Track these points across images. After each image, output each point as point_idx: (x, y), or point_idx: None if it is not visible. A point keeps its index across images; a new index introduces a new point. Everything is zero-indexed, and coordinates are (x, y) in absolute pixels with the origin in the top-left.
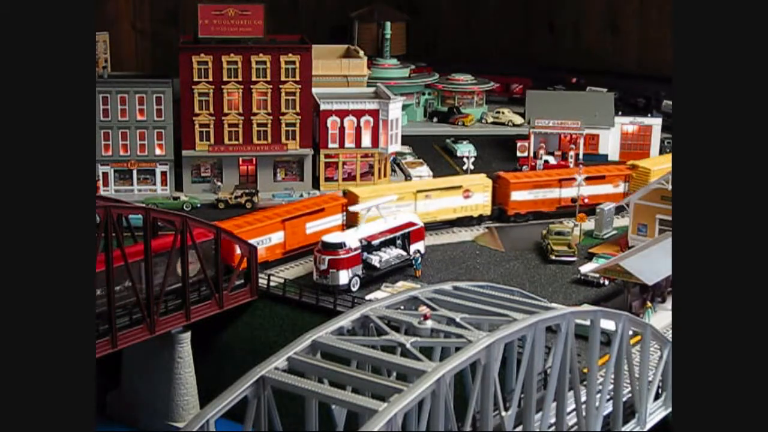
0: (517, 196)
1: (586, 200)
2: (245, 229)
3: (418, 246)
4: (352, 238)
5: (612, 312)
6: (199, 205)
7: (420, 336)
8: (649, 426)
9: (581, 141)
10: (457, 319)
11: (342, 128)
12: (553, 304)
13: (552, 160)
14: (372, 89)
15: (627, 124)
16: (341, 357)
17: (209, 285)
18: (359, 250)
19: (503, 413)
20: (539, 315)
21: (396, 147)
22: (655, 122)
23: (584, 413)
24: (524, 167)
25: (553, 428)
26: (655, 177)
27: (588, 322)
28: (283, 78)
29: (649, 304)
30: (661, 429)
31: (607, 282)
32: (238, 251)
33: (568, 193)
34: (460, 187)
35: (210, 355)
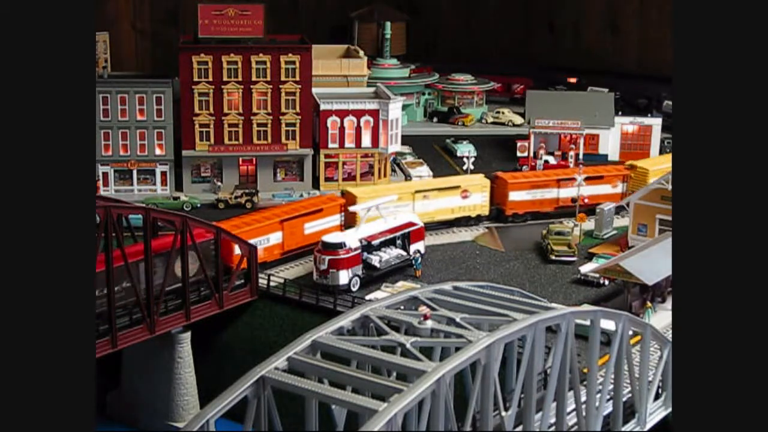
0: (515, 196)
1: (586, 200)
2: (243, 229)
3: (418, 246)
4: (352, 238)
5: (612, 312)
6: (199, 205)
7: (420, 336)
8: (649, 426)
9: (581, 141)
10: (457, 319)
11: (342, 128)
12: (553, 304)
13: (552, 160)
14: (372, 89)
15: (627, 124)
16: (341, 357)
17: (209, 285)
18: (359, 250)
19: (503, 413)
20: (539, 315)
21: (396, 147)
22: (655, 122)
23: (584, 413)
24: (524, 167)
25: (553, 428)
26: (653, 177)
27: (588, 322)
28: (283, 78)
29: (649, 304)
30: (661, 429)
31: (607, 282)
32: (236, 252)
33: (566, 193)
34: (458, 187)
35: (210, 355)
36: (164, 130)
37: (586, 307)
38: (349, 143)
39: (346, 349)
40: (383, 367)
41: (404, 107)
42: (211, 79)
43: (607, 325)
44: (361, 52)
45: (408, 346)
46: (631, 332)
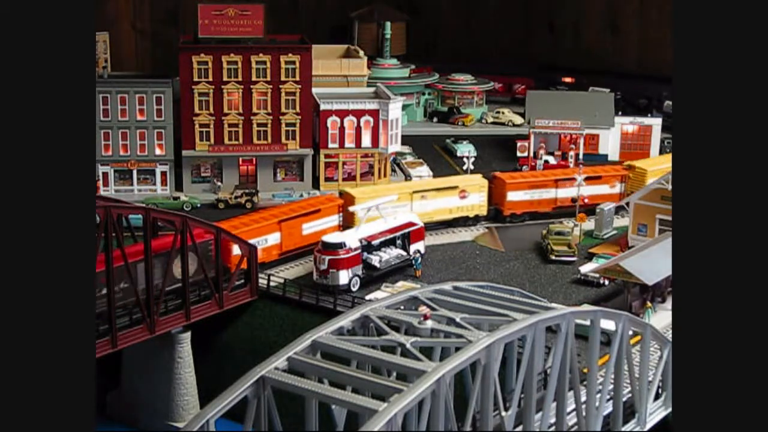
0: (513, 196)
1: (586, 200)
2: (241, 230)
3: (418, 246)
4: (352, 238)
5: (612, 312)
6: (199, 205)
7: (420, 336)
8: (649, 426)
9: (581, 141)
10: (457, 319)
11: (342, 128)
12: (553, 304)
13: (552, 160)
14: (372, 89)
15: (627, 124)
16: (341, 357)
17: (208, 285)
18: (359, 250)
19: (503, 413)
20: (539, 315)
21: (396, 147)
22: (655, 122)
23: (584, 413)
24: (524, 167)
25: (553, 428)
26: (651, 177)
27: (588, 322)
28: (283, 78)
29: (649, 304)
30: (661, 429)
31: (607, 282)
32: (234, 252)
33: (564, 193)
34: (456, 187)
35: (210, 355)
36: (164, 130)
37: (586, 307)
38: (349, 143)
39: (346, 349)
40: (383, 367)
41: (404, 107)
42: (211, 79)
43: (607, 325)
44: (361, 52)
45: (408, 346)
46: (631, 332)
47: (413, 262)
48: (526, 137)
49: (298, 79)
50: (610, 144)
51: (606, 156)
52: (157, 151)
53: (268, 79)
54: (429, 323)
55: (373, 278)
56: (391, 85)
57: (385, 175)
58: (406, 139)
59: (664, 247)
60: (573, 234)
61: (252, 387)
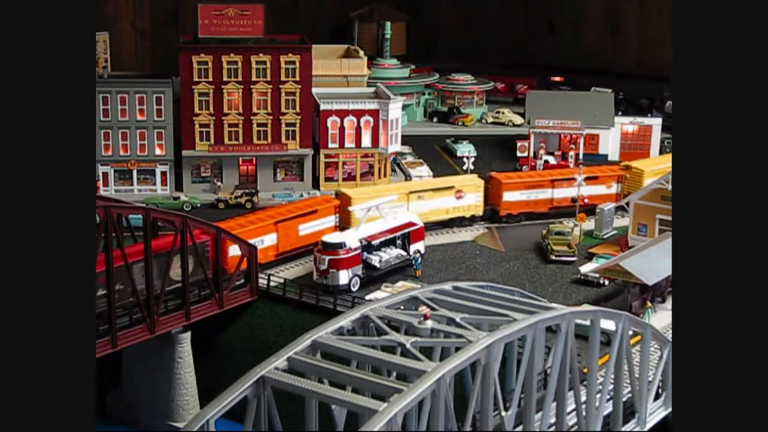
0: (509, 196)
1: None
2: (238, 231)
3: (418, 246)
4: (352, 238)
5: (612, 312)
6: (199, 205)
7: (420, 336)
8: (649, 426)
9: (581, 141)
10: (457, 319)
11: (342, 128)
12: (553, 304)
13: (552, 160)
14: (372, 89)
15: (627, 124)
16: (341, 357)
17: (208, 285)
18: (359, 250)
19: (503, 413)
20: (539, 315)
21: (396, 147)
22: (655, 122)
23: (584, 413)
24: (524, 167)
25: (553, 428)
26: (648, 178)
27: (588, 322)
28: (283, 78)
29: (649, 304)
30: (661, 429)
31: (607, 282)
32: (231, 254)
33: (560, 193)
34: (452, 187)
35: (210, 355)
36: (164, 130)
37: (586, 307)
38: (349, 143)
39: (346, 349)
40: (383, 367)
41: (404, 107)
42: (211, 79)
43: (607, 325)
44: (361, 52)
45: (408, 346)
46: (631, 332)
47: (413, 262)
48: (526, 137)
49: (298, 79)
50: (610, 144)
51: (606, 156)
52: (157, 151)
53: (268, 79)
54: (429, 323)
55: (373, 278)
56: (391, 85)
57: (385, 175)
58: (406, 139)
59: (664, 247)
60: (573, 234)
61: (252, 387)
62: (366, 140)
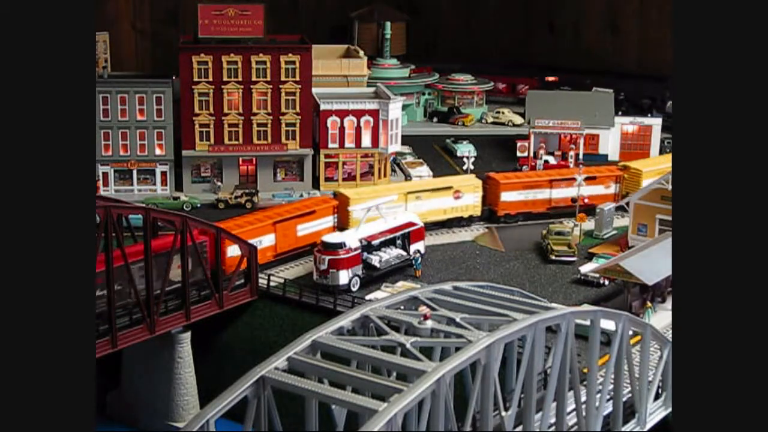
0: (507, 197)
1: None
2: (236, 231)
3: (418, 246)
4: (352, 238)
5: (612, 312)
6: (199, 205)
7: (420, 336)
8: (649, 426)
9: (581, 141)
10: (457, 319)
11: (342, 128)
12: (553, 304)
13: (552, 160)
14: (372, 89)
15: (627, 124)
16: (341, 357)
17: (208, 285)
18: (359, 250)
19: (503, 413)
20: (539, 315)
21: (396, 147)
22: (655, 122)
23: (584, 413)
24: (524, 167)
25: (553, 428)
26: (646, 178)
27: (588, 322)
28: (283, 78)
29: (649, 304)
30: (661, 429)
31: (607, 282)
32: (229, 254)
33: (558, 194)
34: (450, 188)
35: (210, 355)
36: (164, 130)
37: (586, 307)
38: (349, 143)
39: (346, 349)
40: (383, 367)
41: (404, 107)
42: (211, 79)
43: (607, 325)
44: (361, 52)
45: (408, 346)
46: (631, 332)
47: (413, 262)
48: (526, 137)
49: (298, 79)
50: (610, 144)
51: (606, 156)
52: (157, 151)
53: (268, 79)
54: (429, 323)
55: (373, 278)
56: (391, 85)
57: (385, 175)
58: (406, 139)
59: (664, 247)
60: (573, 234)
61: (252, 387)
62: (366, 140)
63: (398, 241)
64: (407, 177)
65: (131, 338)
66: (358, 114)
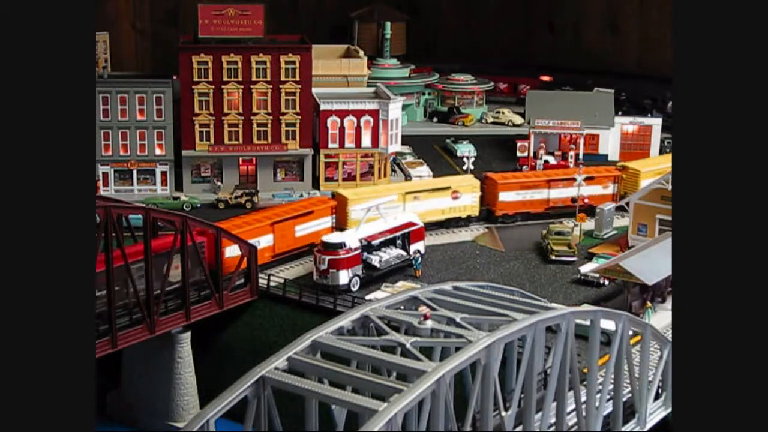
0: (504, 197)
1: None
2: (234, 232)
3: (418, 246)
4: (352, 238)
5: (612, 312)
6: (199, 205)
7: (420, 336)
8: (649, 426)
9: (581, 141)
10: (457, 319)
11: (342, 128)
12: (553, 304)
13: (552, 160)
14: (372, 89)
15: (627, 124)
16: (341, 357)
17: (208, 286)
18: (359, 250)
19: (503, 413)
20: (539, 315)
21: (396, 147)
22: (655, 122)
23: (584, 413)
24: (524, 167)
25: (553, 428)
26: (645, 178)
27: (588, 322)
28: (283, 78)
29: (649, 304)
30: (661, 429)
31: (607, 282)
32: (228, 254)
33: (556, 194)
34: (448, 188)
35: (210, 355)
36: (164, 130)
37: (586, 307)
38: (349, 143)
39: (346, 349)
40: (383, 367)
41: (404, 107)
42: (211, 79)
43: (607, 325)
44: (361, 52)
45: (408, 346)
46: (631, 332)
47: (413, 262)
48: (526, 137)
49: (298, 79)
50: (610, 144)
51: (606, 156)
52: (157, 151)
53: (268, 79)
54: (429, 323)
55: (373, 278)
56: (391, 85)
57: (385, 175)
58: (406, 139)
59: (664, 247)
60: (573, 234)
61: (252, 387)
62: (366, 140)
63: (398, 241)
64: (407, 177)
65: (131, 338)
66: (358, 114)
